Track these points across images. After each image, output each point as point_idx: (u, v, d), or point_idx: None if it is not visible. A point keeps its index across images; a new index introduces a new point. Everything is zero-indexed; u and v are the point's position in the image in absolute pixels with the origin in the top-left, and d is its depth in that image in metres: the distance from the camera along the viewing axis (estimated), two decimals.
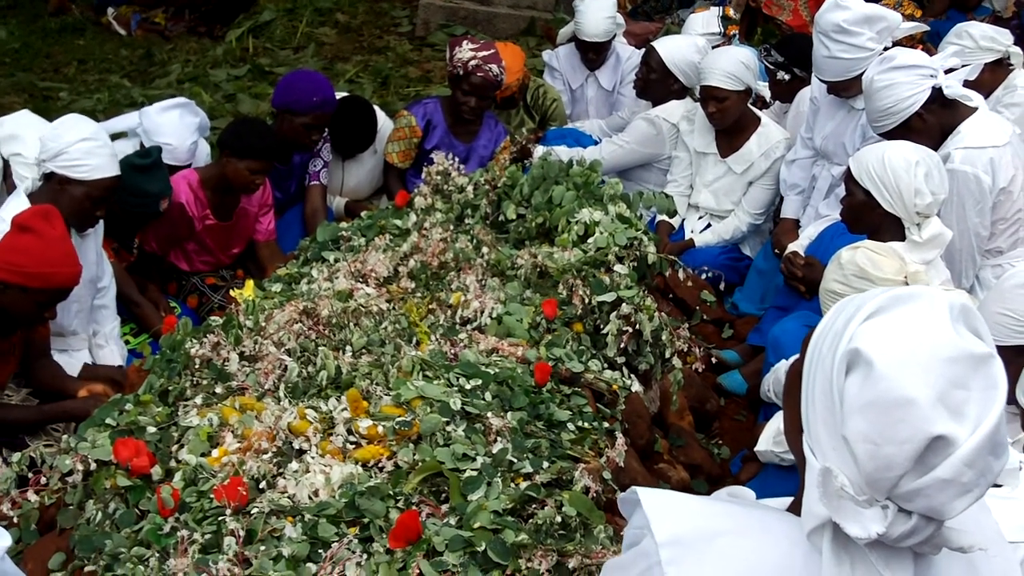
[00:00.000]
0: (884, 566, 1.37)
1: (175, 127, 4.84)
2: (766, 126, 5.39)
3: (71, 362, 4.07)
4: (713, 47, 5.82)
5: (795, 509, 1.50)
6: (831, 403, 1.37)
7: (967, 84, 4.14)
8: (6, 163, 4.42)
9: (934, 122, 4.01)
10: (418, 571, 2.23)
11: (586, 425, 2.93)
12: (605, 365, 3.34)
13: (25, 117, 4.54)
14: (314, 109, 5.03)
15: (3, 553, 1.81)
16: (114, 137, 4.48)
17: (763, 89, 5.86)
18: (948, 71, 4.06)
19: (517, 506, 2.45)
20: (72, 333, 4.16)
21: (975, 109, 4.06)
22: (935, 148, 3.87)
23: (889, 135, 4.04)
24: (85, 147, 3.89)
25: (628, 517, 1.56)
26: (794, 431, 1.50)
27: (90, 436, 2.78)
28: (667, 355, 3.51)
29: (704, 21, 6.57)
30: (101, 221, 4.11)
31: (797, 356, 1.52)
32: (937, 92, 3.99)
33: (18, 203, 3.83)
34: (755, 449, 3.60)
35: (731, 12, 6.90)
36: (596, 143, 5.97)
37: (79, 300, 4.02)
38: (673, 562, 1.43)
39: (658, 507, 1.48)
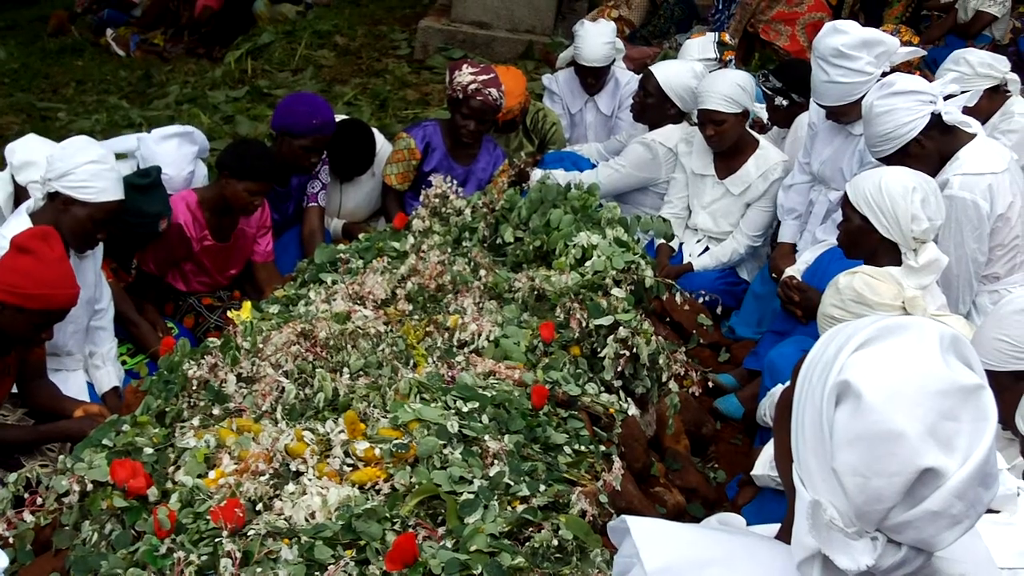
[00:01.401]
0: None
1: (172, 157, 4.85)
2: (764, 148, 5.39)
3: (66, 382, 4.06)
4: (710, 72, 5.84)
5: (784, 536, 1.49)
6: (820, 435, 1.36)
7: (964, 110, 4.15)
8: (18, 188, 4.42)
9: (933, 148, 4.02)
10: None
11: (583, 448, 2.92)
12: (602, 388, 3.34)
13: (34, 142, 4.53)
14: (313, 131, 5.04)
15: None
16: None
17: (761, 111, 5.87)
18: (947, 97, 4.07)
19: (514, 529, 2.45)
20: (67, 353, 4.15)
21: (974, 135, 4.07)
22: (933, 174, 3.87)
23: (888, 160, 4.04)
24: (92, 169, 3.90)
25: (618, 545, 1.56)
26: (784, 460, 1.49)
27: (87, 457, 2.78)
28: (664, 379, 3.52)
29: (701, 46, 6.58)
30: (101, 243, 4.11)
31: (788, 384, 1.52)
32: (936, 118, 3.99)
33: (19, 222, 3.84)
34: (751, 473, 3.59)
35: (727, 38, 6.89)
36: (594, 166, 5.97)
37: (75, 320, 4.01)
38: None
39: (647, 536, 1.48)
